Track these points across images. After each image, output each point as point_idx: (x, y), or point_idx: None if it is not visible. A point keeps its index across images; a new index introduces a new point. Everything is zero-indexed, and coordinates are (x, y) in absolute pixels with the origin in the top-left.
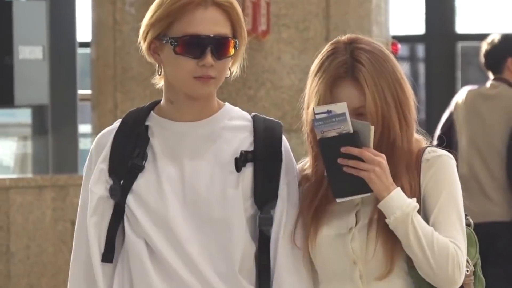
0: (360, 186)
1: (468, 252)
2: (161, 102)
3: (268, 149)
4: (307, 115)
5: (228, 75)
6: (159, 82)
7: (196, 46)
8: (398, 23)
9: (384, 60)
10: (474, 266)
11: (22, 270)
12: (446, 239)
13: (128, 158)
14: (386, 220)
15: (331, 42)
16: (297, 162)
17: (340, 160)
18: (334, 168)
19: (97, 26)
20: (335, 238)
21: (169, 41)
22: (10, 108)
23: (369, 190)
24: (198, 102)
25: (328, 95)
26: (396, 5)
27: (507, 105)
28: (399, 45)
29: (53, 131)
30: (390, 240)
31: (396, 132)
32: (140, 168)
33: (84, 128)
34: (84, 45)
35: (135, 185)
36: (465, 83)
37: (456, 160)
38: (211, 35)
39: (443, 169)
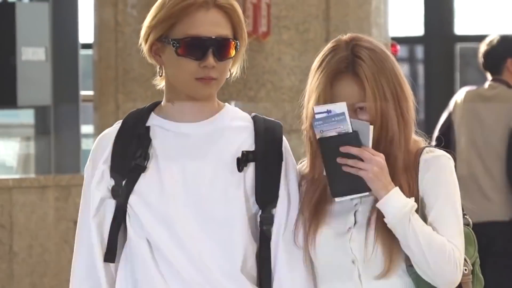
0: (359, 185)
1: (467, 251)
2: (162, 103)
3: (269, 149)
4: (307, 111)
5: (228, 76)
6: (160, 83)
7: (198, 47)
8: (397, 24)
9: (384, 59)
10: (473, 265)
11: (25, 270)
12: (444, 239)
13: (130, 159)
14: (385, 220)
15: (333, 40)
16: (297, 162)
17: (339, 160)
18: (333, 167)
19: (99, 27)
20: (334, 238)
21: (171, 42)
22: (13, 109)
23: (367, 189)
24: (199, 103)
25: (328, 89)
26: (395, 7)
27: (506, 106)
28: (398, 47)
29: (55, 132)
30: (388, 239)
31: (394, 129)
32: (142, 169)
33: (86, 128)
34: (86, 46)
35: (137, 185)
36: (463, 84)
37: (455, 160)
38: (213, 37)
39: (441, 169)
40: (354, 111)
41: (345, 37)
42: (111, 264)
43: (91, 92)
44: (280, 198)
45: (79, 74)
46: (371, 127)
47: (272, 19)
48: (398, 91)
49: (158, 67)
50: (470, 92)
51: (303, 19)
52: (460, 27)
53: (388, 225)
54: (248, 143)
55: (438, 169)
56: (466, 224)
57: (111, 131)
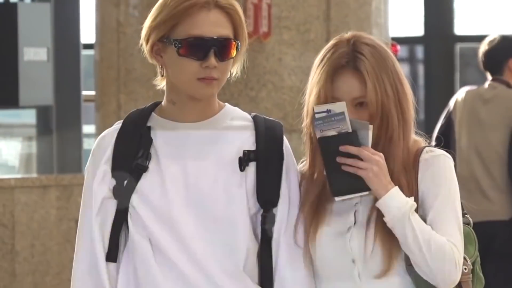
0: (359, 184)
1: (467, 251)
2: (163, 103)
3: (270, 149)
4: (307, 107)
5: (228, 76)
6: (161, 83)
7: (200, 48)
8: (397, 25)
9: (385, 56)
10: (473, 264)
11: (27, 269)
12: (443, 238)
13: (132, 159)
14: (384, 219)
15: (335, 38)
16: (298, 162)
17: (339, 159)
18: (333, 167)
19: (101, 28)
20: (334, 237)
21: (173, 43)
22: (15, 109)
23: (367, 188)
24: (200, 103)
25: (329, 85)
26: (395, 7)
27: (506, 106)
28: (398, 47)
29: (57, 132)
30: (388, 238)
31: (394, 125)
32: (144, 169)
33: (88, 128)
34: (88, 46)
35: (139, 185)
36: (463, 84)
37: (454, 160)
38: (215, 37)
39: (441, 169)
40: (355, 106)
41: (347, 35)
42: (113, 264)
43: (93, 92)
44: (281, 197)
45: (81, 74)
46: (371, 126)
47: (273, 20)
48: (398, 88)
49: (159, 67)
50: (470, 92)
51: (304, 20)
52: (460, 27)
53: (388, 225)
54: (249, 143)
55: (438, 168)
56: (466, 224)
57: (112, 131)
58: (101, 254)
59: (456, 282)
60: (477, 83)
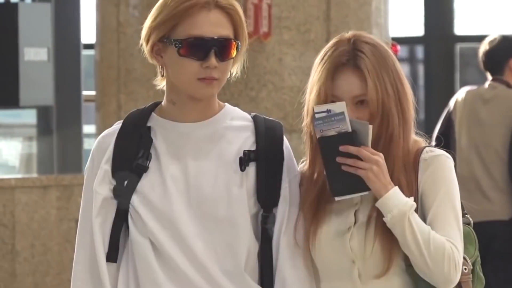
0: (359, 184)
1: (467, 251)
2: (162, 103)
3: (270, 149)
4: (308, 106)
5: (228, 76)
6: (160, 83)
7: (200, 48)
8: (397, 25)
9: (386, 55)
10: (473, 264)
11: (27, 269)
12: (443, 238)
13: (132, 159)
14: (384, 219)
15: (336, 37)
16: (298, 162)
17: (338, 159)
18: (333, 166)
19: (101, 28)
20: (334, 237)
21: (173, 43)
22: (15, 109)
23: (367, 188)
24: (200, 103)
25: (329, 82)
26: (395, 7)
27: (506, 106)
28: (398, 47)
29: (57, 132)
30: (388, 238)
31: (395, 124)
32: (145, 169)
33: (88, 128)
34: (88, 46)
35: (140, 185)
36: (463, 84)
37: (454, 160)
38: (215, 37)
39: (440, 169)
40: (355, 104)
41: (348, 34)
42: (113, 264)
43: (93, 92)
44: (281, 197)
45: (81, 74)
46: (370, 126)
47: (273, 20)
48: (399, 87)
49: (159, 67)
50: (470, 92)
51: (304, 20)
52: (460, 28)
53: (387, 225)
54: (249, 143)
55: (438, 168)
56: (467, 224)
57: (111, 132)
58: (102, 254)
59: (456, 282)
60: (477, 83)
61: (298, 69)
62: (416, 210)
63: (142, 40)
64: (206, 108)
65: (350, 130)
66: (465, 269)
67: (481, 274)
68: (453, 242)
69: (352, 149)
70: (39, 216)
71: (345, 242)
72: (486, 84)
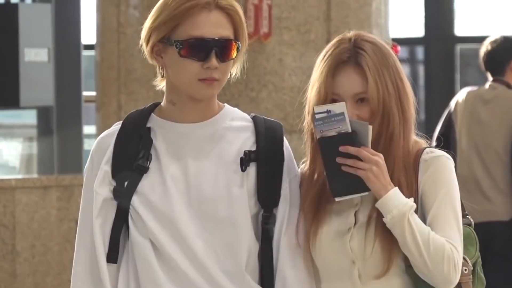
0: (358, 185)
1: (468, 251)
2: (162, 103)
3: (270, 149)
4: (309, 106)
5: (228, 76)
6: (160, 84)
7: (201, 48)
8: (398, 25)
9: (387, 54)
10: (474, 265)
11: (27, 269)
12: (442, 239)
13: (132, 160)
14: (384, 219)
15: (338, 36)
16: (298, 162)
17: (338, 159)
18: (333, 167)
19: (102, 28)
20: (334, 238)
21: (174, 44)
22: (16, 109)
23: (367, 189)
24: (200, 104)
25: (329, 80)
26: (395, 8)
27: (506, 107)
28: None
29: (58, 132)
30: (388, 239)
31: (395, 123)
32: (145, 169)
33: (88, 129)
34: (88, 47)
35: (140, 186)
36: (464, 84)
37: (455, 160)
38: (216, 38)
39: (441, 169)
40: (356, 102)
41: (349, 33)
42: (114, 265)
43: (93, 93)
44: (281, 197)
45: (82, 74)
46: (370, 127)
47: (273, 20)
48: (399, 86)
49: (158, 68)
50: (471, 93)
51: (304, 20)
52: (460, 28)
53: (387, 225)
54: (249, 143)
55: (438, 169)
56: (468, 224)
57: (111, 133)
58: (102, 255)
59: (455, 283)
60: (477, 84)
61: (298, 70)
62: (416, 211)
63: (142, 41)
64: (206, 108)
65: (350, 130)
66: (465, 270)
67: (482, 275)
68: (452, 243)
69: (351, 149)
70: (39, 217)
71: (345, 243)
72: (487, 85)
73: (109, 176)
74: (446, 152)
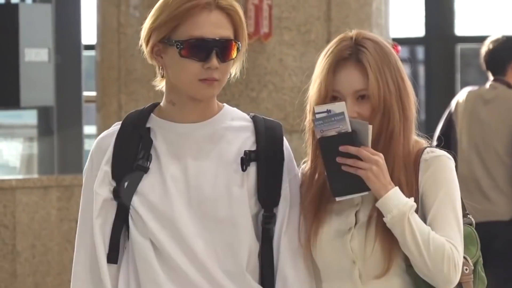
0: (359, 184)
1: (469, 251)
2: (162, 104)
3: (270, 149)
4: (310, 104)
5: (228, 76)
6: (160, 84)
7: (202, 49)
8: (398, 25)
9: (388, 52)
10: (475, 264)
11: (28, 269)
12: (443, 239)
13: (132, 160)
14: (384, 219)
15: (340, 35)
16: (299, 162)
17: (338, 159)
18: (333, 167)
19: (102, 28)
20: (335, 237)
21: (175, 44)
22: (16, 109)
23: (367, 188)
24: (200, 104)
25: (330, 76)
26: (396, 8)
27: (507, 107)
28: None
29: (58, 132)
30: (388, 238)
31: (396, 121)
32: (145, 170)
33: (89, 129)
34: (89, 47)
35: (140, 186)
36: (464, 84)
37: (455, 160)
38: (216, 38)
39: (441, 169)
40: (357, 99)
41: (351, 32)
42: (114, 265)
43: (93, 93)
44: (281, 197)
45: (82, 74)
46: (370, 126)
47: (273, 20)
48: (400, 84)
49: (158, 68)
50: (471, 93)
51: (304, 20)
52: (461, 28)
53: (387, 225)
54: (249, 143)
55: (438, 169)
56: (469, 224)
57: (110, 133)
58: (103, 255)
59: (455, 283)
60: (477, 84)
61: (299, 70)
62: (416, 211)
63: (142, 41)
64: (206, 108)
65: (350, 130)
66: (466, 269)
67: (483, 274)
68: (453, 242)
69: (352, 149)
70: (39, 217)
71: (346, 243)
72: (487, 85)
73: (109, 176)
74: (447, 152)
